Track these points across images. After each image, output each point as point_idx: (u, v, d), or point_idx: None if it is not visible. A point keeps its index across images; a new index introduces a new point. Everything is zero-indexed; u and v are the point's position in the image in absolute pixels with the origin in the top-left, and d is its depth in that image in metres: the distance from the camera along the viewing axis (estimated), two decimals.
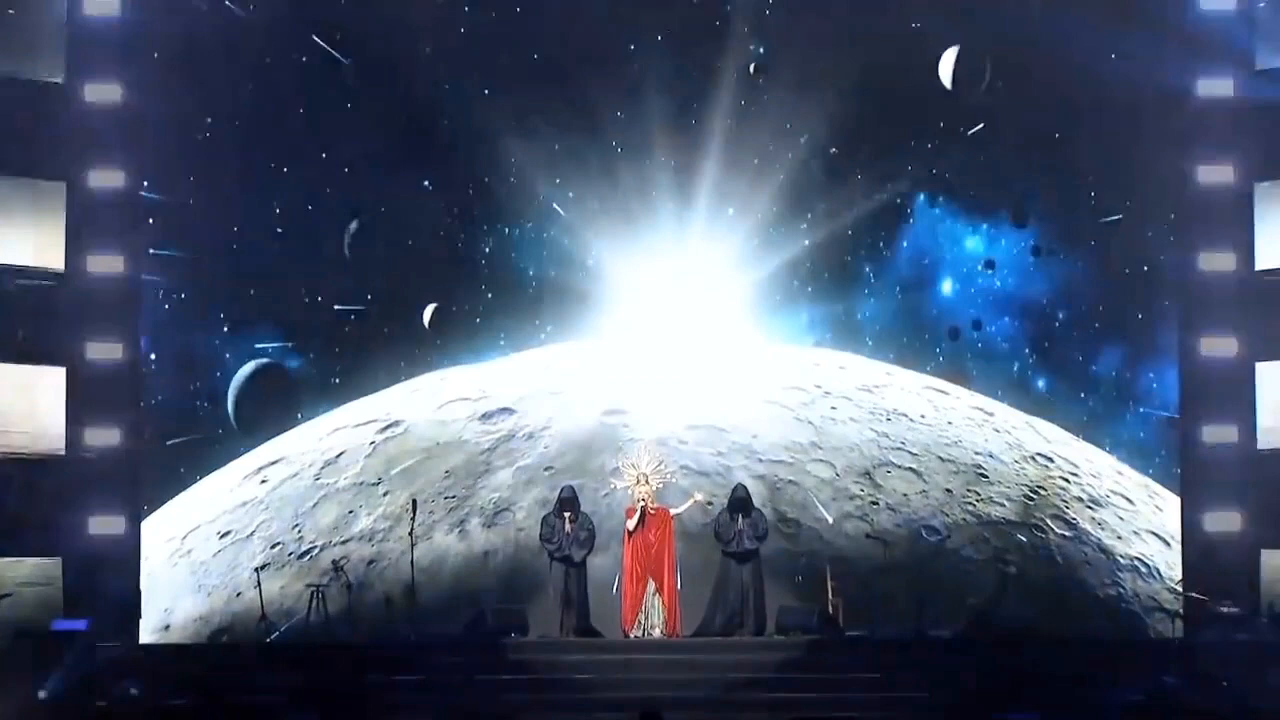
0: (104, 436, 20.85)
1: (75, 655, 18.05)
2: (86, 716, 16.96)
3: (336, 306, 22.96)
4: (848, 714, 17.26)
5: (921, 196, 23.48)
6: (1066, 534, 22.74)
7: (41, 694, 17.33)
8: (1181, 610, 21.27)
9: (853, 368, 23.72)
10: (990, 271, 23.44)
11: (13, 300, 20.76)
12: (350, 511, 22.84)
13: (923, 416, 23.44)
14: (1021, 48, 22.39)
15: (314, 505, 22.86)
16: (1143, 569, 22.48)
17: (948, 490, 23.03)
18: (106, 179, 21.00)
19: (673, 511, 20.44)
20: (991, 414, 23.43)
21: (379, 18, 22.55)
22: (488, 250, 23.45)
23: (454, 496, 23.03)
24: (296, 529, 22.69)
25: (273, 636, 20.78)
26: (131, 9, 21.19)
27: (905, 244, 23.58)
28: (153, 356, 22.01)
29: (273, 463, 23.01)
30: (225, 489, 22.79)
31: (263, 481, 22.92)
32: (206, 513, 22.65)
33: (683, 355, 23.56)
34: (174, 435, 22.13)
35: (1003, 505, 22.95)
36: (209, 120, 22.33)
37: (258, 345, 22.85)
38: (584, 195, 23.18)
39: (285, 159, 22.75)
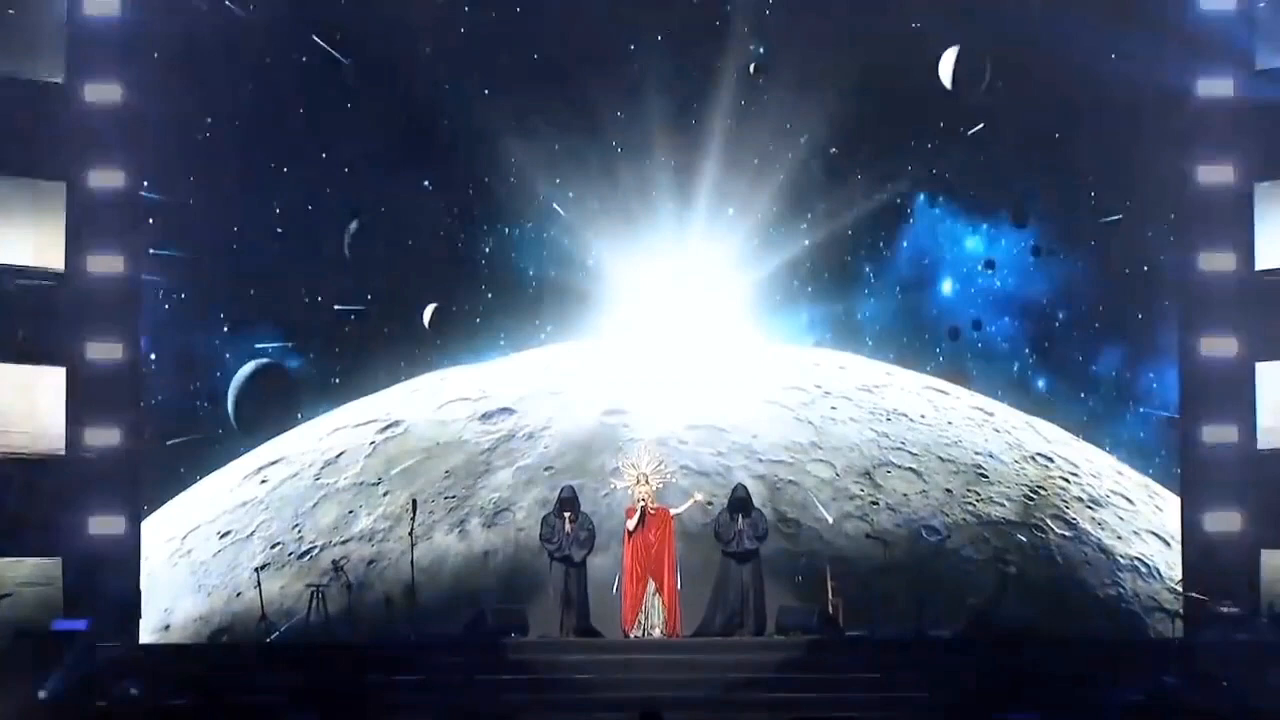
0: (104, 436, 20.85)
1: (75, 655, 18.05)
2: (86, 716, 16.96)
3: (336, 306, 22.97)
4: (848, 714, 17.26)
5: (921, 196, 23.48)
6: (1066, 534, 22.74)
7: (41, 694, 17.33)
8: (1181, 610, 21.27)
9: (853, 368, 23.72)
10: (990, 271, 23.45)
11: (13, 300, 20.76)
12: (350, 511, 22.84)
13: (923, 416, 23.44)
14: (1021, 48, 22.40)
15: (314, 505, 22.86)
16: (1143, 569, 22.48)
17: (948, 490, 23.03)
18: (106, 179, 21.00)
19: (673, 511, 20.44)
20: (991, 414, 23.43)
21: (379, 18, 22.55)
22: (488, 250, 23.46)
23: (454, 496, 23.03)
24: (296, 529, 22.69)
25: (273, 636, 20.78)
26: (131, 9, 21.19)
27: (905, 244, 23.58)
28: (153, 356, 22.01)
29: (273, 463, 23.02)
30: (225, 489, 22.79)
31: (263, 481, 22.92)
32: (206, 513, 22.65)
33: (683, 355, 23.56)
34: (174, 435, 22.13)
35: (1003, 505, 22.95)
36: (209, 120, 22.33)
37: (258, 345, 22.85)
38: (584, 195, 23.18)
39: (285, 159, 22.75)
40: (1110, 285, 22.92)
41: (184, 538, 22.52)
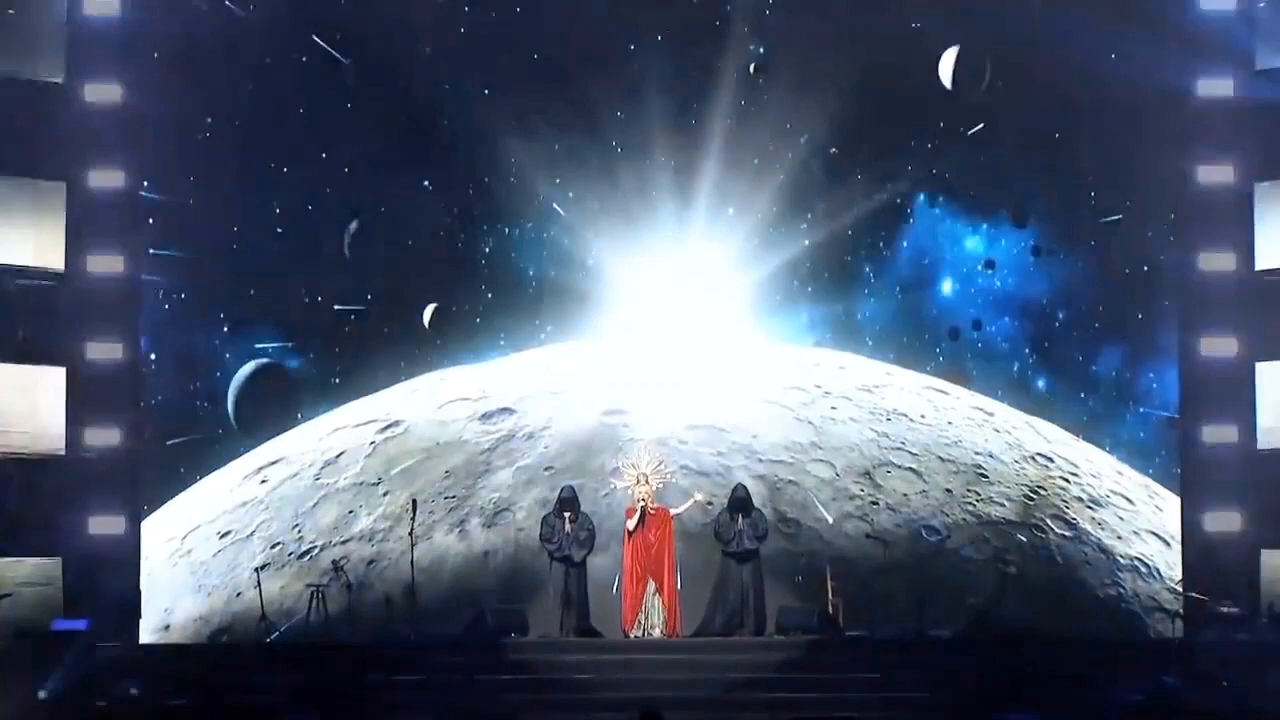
0: (104, 436, 20.85)
1: (75, 655, 18.05)
2: (86, 716, 16.96)
3: (336, 306, 22.97)
4: (848, 714, 17.25)
5: (921, 196, 23.48)
6: (1066, 534, 22.74)
7: (41, 694, 17.34)
8: (1181, 610, 21.27)
9: (853, 368, 23.72)
10: (990, 271, 23.45)
11: (13, 300, 20.76)
12: (350, 511, 22.84)
13: (923, 416, 23.44)
14: (1021, 48, 22.40)
15: (314, 505, 22.86)
16: (1143, 569, 22.48)
17: (948, 490, 23.03)
18: (106, 179, 21.00)
19: (673, 511, 20.44)
20: (991, 414, 23.43)
21: (379, 18, 22.55)
22: (488, 250, 23.46)
23: (454, 496, 23.03)
24: (296, 529, 22.69)
25: (273, 636, 20.78)
26: (131, 9, 21.19)
27: (905, 244, 23.58)
28: (153, 356, 22.01)
29: (273, 463, 23.02)
30: (225, 489, 22.80)
31: (263, 481, 22.92)
32: (206, 513, 22.66)
33: (683, 355, 23.55)
34: (174, 435, 22.13)
35: (1003, 505, 22.95)
36: (209, 120, 22.33)
37: (258, 345, 22.85)
38: (584, 195, 23.18)
39: (285, 159, 22.76)
40: (1110, 285, 22.92)
41: (184, 538, 22.52)
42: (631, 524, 20.26)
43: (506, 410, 23.60)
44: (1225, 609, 19.89)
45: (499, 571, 22.61)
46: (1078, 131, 22.66)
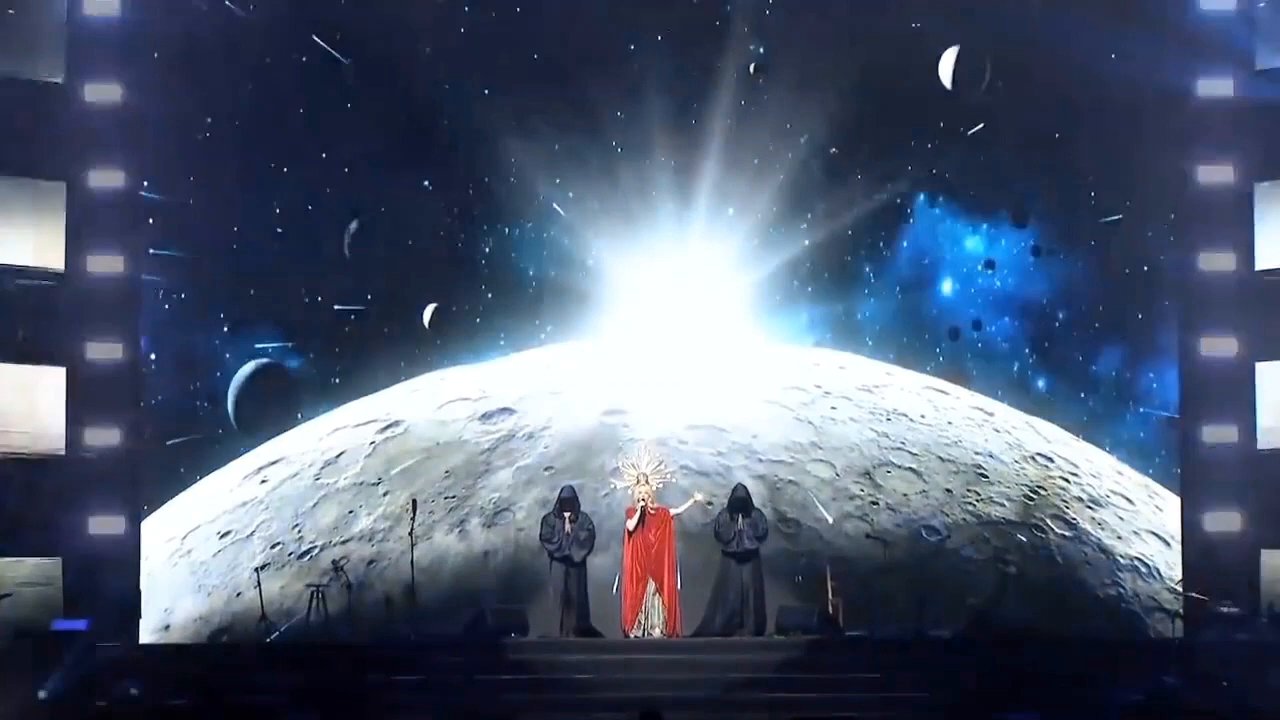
0: (104, 436, 20.85)
1: (75, 655, 18.05)
2: (86, 716, 16.96)
3: (336, 306, 22.97)
4: (848, 714, 17.25)
5: (921, 196, 23.48)
6: (1066, 534, 22.74)
7: (41, 694, 17.34)
8: (1181, 610, 21.27)
9: (853, 368, 23.72)
10: (990, 271, 23.45)
11: (13, 300, 20.76)
12: (350, 511, 22.84)
13: (923, 416, 23.44)
14: (1021, 48, 22.40)
15: (314, 505, 22.86)
16: (1143, 569, 22.48)
17: (948, 490, 23.03)
18: (106, 179, 21.00)
19: (673, 511, 20.44)
20: (991, 414, 23.43)
21: (379, 18, 22.55)
22: (488, 250, 23.46)
23: (454, 496, 23.03)
24: (296, 529, 22.69)
25: (273, 636, 20.78)
26: (131, 9, 21.19)
27: (905, 244, 23.58)
28: (153, 356, 22.01)
29: (273, 463, 23.02)
30: (225, 489, 22.80)
31: (263, 481, 22.92)
32: (206, 513, 22.66)
33: (683, 355, 23.56)
34: (174, 435, 22.13)
35: (1003, 505, 22.95)
36: (209, 120, 22.34)
37: (258, 345, 22.85)
38: (584, 195, 23.18)
39: (285, 159, 22.76)
40: (1110, 285, 22.92)
41: (184, 538, 22.52)
42: (631, 524, 20.26)
43: (506, 410, 23.60)
44: (1225, 609, 19.88)
45: (499, 571, 22.61)
46: (1078, 131, 22.66)
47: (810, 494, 23.08)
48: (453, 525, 22.87)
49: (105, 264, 20.97)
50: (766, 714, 17.59)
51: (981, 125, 22.93)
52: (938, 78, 22.89)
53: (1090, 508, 22.82)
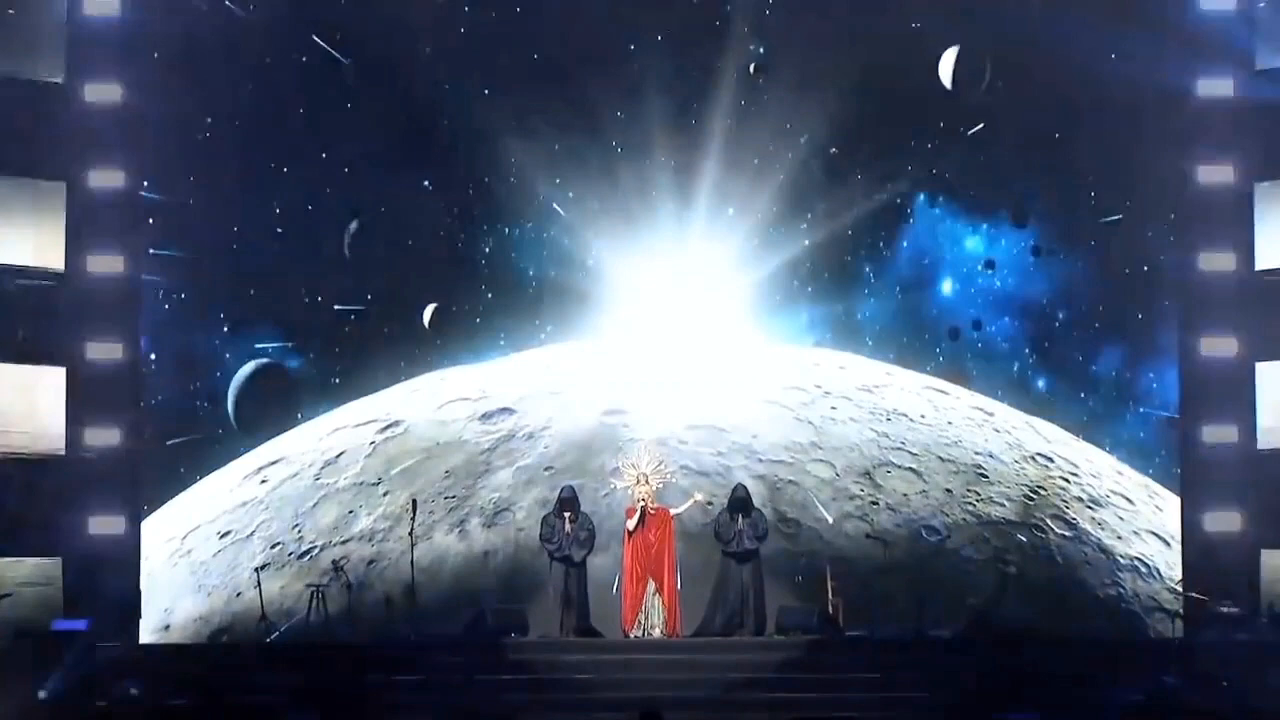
0: (104, 436, 20.85)
1: (75, 655, 18.05)
2: (86, 716, 16.96)
3: (336, 306, 22.97)
4: (848, 714, 17.25)
5: (921, 196, 23.48)
6: (1066, 534, 22.74)
7: (41, 694, 17.34)
8: (1181, 610, 21.27)
9: (853, 368, 23.72)
10: (990, 271, 23.45)
11: (13, 300, 20.76)
12: (350, 511, 22.84)
13: (923, 416, 23.44)
14: (1021, 48, 22.40)
15: (314, 505, 22.86)
16: (1143, 569, 22.48)
17: (948, 490, 23.03)
18: (106, 179, 21.00)
19: (673, 511, 20.44)
20: (991, 414, 23.43)
21: (379, 18, 22.56)
22: (488, 250, 23.46)
23: (454, 496, 23.03)
24: (296, 529, 22.69)
25: (273, 636, 20.78)
26: (131, 9, 21.19)
27: (905, 244, 23.58)
28: (153, 356, 22.01)
29: (273, 463, 23.02)
30: (225, 489, 22.80)
31: (263, 481, 22.92)
32: (206, 513, 22.66)
33: (683, 355, 23.56)
34: (174, 435, 22.13)
35: (1003, 505, 22.95)
36: (209, 120, 22.34)
37: (258, 345, 22.85)
38: (584, 195, 23.18)
39: (285, 159, 22.76)
40: (1110, 285, 22.93)
41: (184, 538, 22.52)
42: (631, 524, 20.26)
43: (506, 410, 23.60)
44: (1225, 609, 19.88)
45: (499, 571, 22.61)
46: (1078, 131, 22.66)
47: (810, 494, 23.08)
48: (453, 525, 22.87)
49: (105, 264, 20.97)
50: (766, 714, 17.59)
51: (981, 125, 22.93)
52: (938, 78, 22.89)
53: (1090, 508, 22.82)
